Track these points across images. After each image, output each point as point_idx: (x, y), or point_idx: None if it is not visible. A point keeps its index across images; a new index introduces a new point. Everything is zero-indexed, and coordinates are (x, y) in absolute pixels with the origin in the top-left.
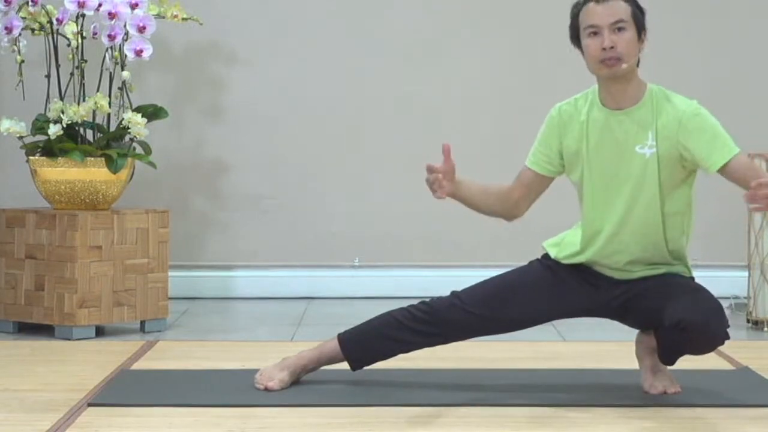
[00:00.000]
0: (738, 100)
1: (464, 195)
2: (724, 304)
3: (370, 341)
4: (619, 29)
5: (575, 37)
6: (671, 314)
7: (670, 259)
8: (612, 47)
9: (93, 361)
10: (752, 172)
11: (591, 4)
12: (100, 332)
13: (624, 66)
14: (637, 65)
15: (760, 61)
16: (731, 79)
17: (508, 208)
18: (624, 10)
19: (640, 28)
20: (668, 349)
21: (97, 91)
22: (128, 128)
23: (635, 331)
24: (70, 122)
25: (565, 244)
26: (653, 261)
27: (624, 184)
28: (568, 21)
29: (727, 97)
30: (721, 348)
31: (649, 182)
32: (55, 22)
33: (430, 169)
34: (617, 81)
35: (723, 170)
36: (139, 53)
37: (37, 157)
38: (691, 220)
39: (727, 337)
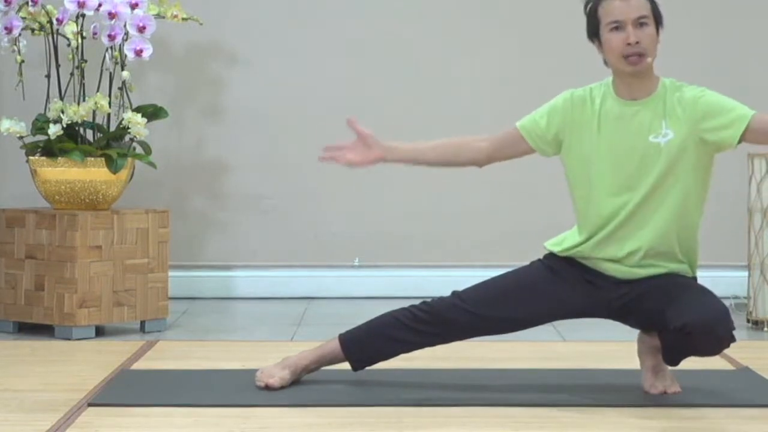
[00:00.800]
0: (738, 96)
1: (401, 158)
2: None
3: (371, 341)
4: (642, 24)
5: (593, 33)
6: (675, 318)
7: (678, 251)
8: (637, 42)
9: (93, 361)
10: None
11: None
12: (100, 332)
13: (648, 60)
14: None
15: (761, 56)
16: (731, 77)
17: (466, 159)
18: (645, 6)
19: (659, 23)
20: (672, 351)
21: (97, 91)
22: (128, 128)
23: (635, 331)
24: (70, 122)
25: (567, 242)
26: (660, 251)
27: (637, 172)
28: (570, 18)
29: (728, 94)
30: None
31: (662, 170)
32: (55, 22)
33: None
34: (637, 76)
35: (745, 137)
36: (139, 53)
37: (37, 157)
38: (701, 211)
39: (733, 340)
